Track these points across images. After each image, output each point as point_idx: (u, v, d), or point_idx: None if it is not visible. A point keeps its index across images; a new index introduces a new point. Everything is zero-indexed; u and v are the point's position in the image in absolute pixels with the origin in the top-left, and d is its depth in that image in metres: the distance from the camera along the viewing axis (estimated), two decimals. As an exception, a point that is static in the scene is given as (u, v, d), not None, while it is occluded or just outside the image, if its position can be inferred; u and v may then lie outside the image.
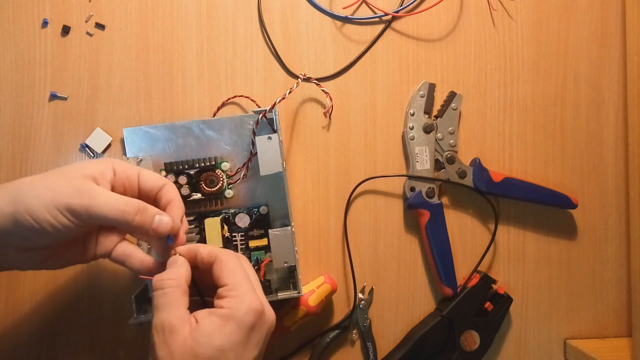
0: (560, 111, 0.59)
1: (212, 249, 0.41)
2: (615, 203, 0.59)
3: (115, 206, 0.39)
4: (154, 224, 0.41)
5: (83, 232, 0.40)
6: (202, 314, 0.38)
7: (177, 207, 0.43)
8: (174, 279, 0.39)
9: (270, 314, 0.40)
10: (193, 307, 0.39)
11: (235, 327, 0.37)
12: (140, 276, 0.42)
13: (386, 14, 0.57)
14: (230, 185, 0.54)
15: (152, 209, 0.41)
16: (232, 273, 0.39)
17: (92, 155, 0.55)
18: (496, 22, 0.58)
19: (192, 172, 0.53)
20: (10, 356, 0.54)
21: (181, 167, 0.52)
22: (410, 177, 0.56)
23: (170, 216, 0.42)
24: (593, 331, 0.59)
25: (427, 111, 0.57)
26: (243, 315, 0.37)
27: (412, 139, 0.56)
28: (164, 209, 0.42)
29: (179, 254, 0.41)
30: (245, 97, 0.56)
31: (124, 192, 0.42)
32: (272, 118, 0.52)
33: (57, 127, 0.55)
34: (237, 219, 0.54)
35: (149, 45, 0.56)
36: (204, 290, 0.42)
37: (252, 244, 0.53)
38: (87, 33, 0.55)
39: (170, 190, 0.43)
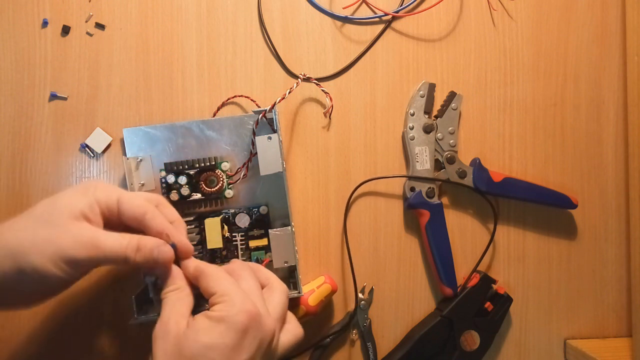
0: (560, 111, 0.59)
1: (198, 264, 0.42)
2: (615, 203, 0.59)
3: (119, 253, 0.39)
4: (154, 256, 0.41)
5: None
6: (199, 314, 0.38)
7: (175, 232, 0.43)
8: (177, 287, 0.41)
9: (269, 322, 0.39)
10: None
11: (226, 327, 0.37)
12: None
13: (386, 14, 0.57)
14: (230, 185, 0.54)
15: (150, 244, 0.41)
16: (218, 282, 0.40)
17: (92, 155, 0.55)
18: (496, 22, 0.58)
19: (192, 172, 0.53)
20: (11, 357, 0.54)
21: (181, 167, 0.52)
22: (410, 178, 0.56)
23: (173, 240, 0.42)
24: (593, 331, 0.59)
25: (427, 111, 0.57)
26: (234, 315, 0.37)
27: (412, 139, 0.56)
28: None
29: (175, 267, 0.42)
30: (245, 97, 0.56)
31: (107, 221, 0.42)
32: (272, 118, 0.52)
33: (57, 127, 0.55)
34: (237, 219, 0.54)
35: (149, 45, 0.56)
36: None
37: (252, 244, 0.53)
38: (87, 33, 0.55)
39: (154, 221, 0.42)
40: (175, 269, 0.42)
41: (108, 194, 0.41)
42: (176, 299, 0.40)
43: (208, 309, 0.39)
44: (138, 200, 0.42)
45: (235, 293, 0.39)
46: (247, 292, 0.40)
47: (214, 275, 0.41)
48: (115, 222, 0.42)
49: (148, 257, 0.40)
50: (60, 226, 0.38)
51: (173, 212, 0.46)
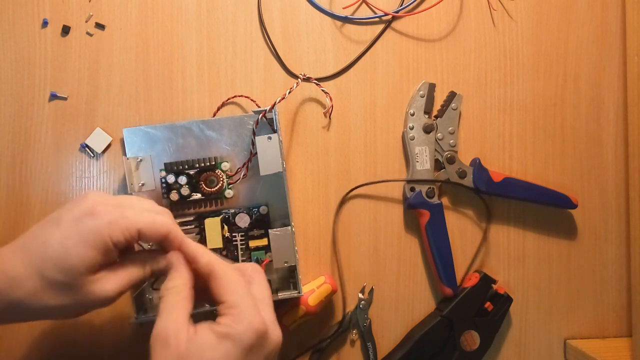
0: (560, 111, 0.59)
1: (209, 259, 0.39)
2: (615, 203, 0.59)
3: (140, 282, 0.40)
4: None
5: None
6: (203, 326, 0.37)
7: (200, 252, 0.41)
8: (174, 286, 0.38)
9: (274, 334, 0.38)
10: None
11: (231, 346, 0.35)
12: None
13: (386, 14, 0.57)
14: (230, 185, 0.54)
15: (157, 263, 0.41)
16: (229, 290, 0.38)
17: (92, 155, 0.55)
18: (496, 22, 0.58)
19: (192, 172, 0.53)
20: (11, 356, 0.54)
21: (181, 167, 0.52)
22: (409, 181, 0.56)
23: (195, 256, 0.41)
24: (593, 331, 0.59)
25: (427, 111, 0.57)
26: (241, 334, 0.36)
27: (412, 139, 0.56)
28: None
29: (181, 255, 0.40)
30: (245, 97, 0.56)
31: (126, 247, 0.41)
32: (272, 118, 0.52)
33: (57, 127, 0.55)
34: (237, 219, 0.54)
35: (149, 45, 0.56)
36: (205, 293, 0.41)
37: (252, 244, 0.53)
38: (87, 33, 0.55)
39: (175, 240, 0.40)
40: (179, 262, 0.40)
41: (125, 229, 0.38)
42: (175, 302, 0.37)
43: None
44: (158, 223, 0.40)
45: (245, 307, 0.37)
46: (257, 299, 0.39)
47: (226, 280, 0.38)
48: (134, 243, 0.41)
49: (160, 274, 0.41)
50: (82, 289, 0.37)
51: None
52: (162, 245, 0.41)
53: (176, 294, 0.38)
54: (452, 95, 0.57)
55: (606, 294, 0.59)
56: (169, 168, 0.52)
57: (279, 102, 0.51)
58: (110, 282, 0.38)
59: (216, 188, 0.53)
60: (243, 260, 0.53)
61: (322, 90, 0.56)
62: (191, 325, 0.37)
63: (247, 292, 0.38)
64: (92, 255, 0.37)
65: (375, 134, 0.57)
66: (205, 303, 0.49)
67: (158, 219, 0.40)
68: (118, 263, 0.40)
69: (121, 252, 0.40)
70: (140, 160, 0.53)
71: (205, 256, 0.40)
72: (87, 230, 0.37)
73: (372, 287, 0.57)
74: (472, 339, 0.55)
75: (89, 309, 0.39)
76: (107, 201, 0.39)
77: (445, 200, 0.58)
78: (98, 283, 0.37)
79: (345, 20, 0.57)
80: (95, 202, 0.38)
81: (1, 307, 0.36)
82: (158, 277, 0.47)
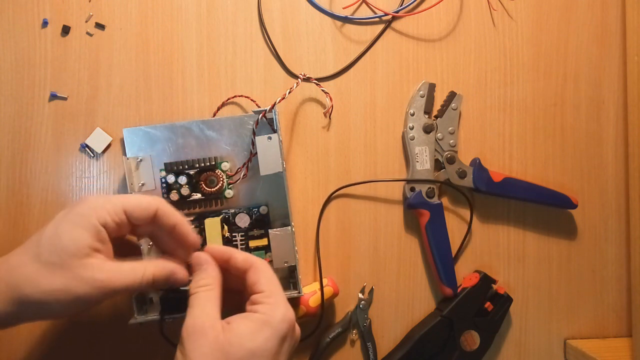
0: (560, 111, 0.59)
1: (247, 255, 0.42)
2: (615, 203, 0.59)
3: (134, 287, 0.39)
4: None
5: None
6: (235, 317, 0.38)
7: (185, 231, 0.42)
8: (206, 283, 0.40)
9: (298, 328, 0.40)
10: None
11: (270, 333, 0.37)
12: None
13: (386, 14, 0.57)
14: (230, 185, 0.54)
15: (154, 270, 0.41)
16: (269, 281, 0.40)
17: (92, 155, 0.55)
18: (496, 22, 0.58)
19: (192, 172, 0.53)
20: (11, 356, 0.54)
21: (181, 167, 0.52)
22: (408, 181, 0.56)
23: (184, 241, 0.42)
24: (593, 331, 0.59)
25: (427, 111, 0.57)
26: (278, 322, 0.37)
27: (412, 139, 0.56)
28: (169, 234, 0.42)
29: (210, 255, 0.42)
30: (245, 97, 0.56)
31: (119, 234, 0.41)
32: (272, 118, 0.52)
33: (57, 127, 0.55)
34: (237, 219, 0.54)
35: (149, 45, 0.56)
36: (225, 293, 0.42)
37: (252, 244, 0.53)
38: (87, 33, 0.55)
39: (165, 216, 0.41)
40: (209, 262, 0.41)
41: (112, 210, 0.39)
42: (207, 298, 0.39)
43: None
44: (144, 202, 0.41)
45: (281, 297, 0.39)
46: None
47: (267, 271, 0.41)
48: (126, 228, 0.41)
49: (162, 286, 0.41)
50: (73, 271, 0.37)
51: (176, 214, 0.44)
52: (157, 225, 0.41)
53: (208, 290, 0.40)
54: (452, 95, 0.57)
55: (606, 294, 0.59)
56: (169, 168, 0.52)
57: (279, 102, 0.51)
58: (103, 271, 0.38)
59: (216, 188, 0.53)
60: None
61: (322, 90, 0.56)
62: (223, 320, 0.38)
63: (280, 286, 0.41)
64: (81, 235, 0.38)
65: (375, 134, 0.57)
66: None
67: (144, 198, 0.41)
68: (117, 259, 0.40)
69: (122, 247, 0.41)
70: (140, 160, 0.53)
71: (243, 253, 0.42)
72: (75, 215, 0.39)
73: (372, 287, 0.57)
74: (472, 339, 0.55)
75: (83, 302, 0.38)
76: (98, 195, 0.41)
77: (445, 200, 0.58)
78: (90, 268, 0.37)
79: (345, 20, 0.57)
80: (87, 196, 0.41)
81: (4, 297, 0.37)
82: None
